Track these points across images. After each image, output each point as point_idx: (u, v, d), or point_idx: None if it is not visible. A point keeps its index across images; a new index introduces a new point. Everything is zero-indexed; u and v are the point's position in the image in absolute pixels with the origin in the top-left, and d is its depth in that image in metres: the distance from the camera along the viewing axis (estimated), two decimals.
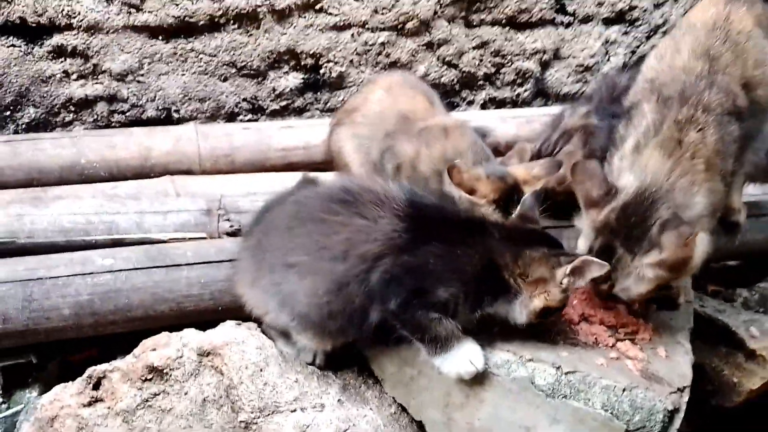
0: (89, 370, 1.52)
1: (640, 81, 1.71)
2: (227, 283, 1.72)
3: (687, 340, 1.60)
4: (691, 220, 1.45)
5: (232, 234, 1.95)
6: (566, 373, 1.39)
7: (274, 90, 2.89)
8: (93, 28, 2.55)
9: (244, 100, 2.87)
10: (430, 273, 1.39)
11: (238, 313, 1.64)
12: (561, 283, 1.38)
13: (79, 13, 2.51)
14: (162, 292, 1.72)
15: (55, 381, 1.61)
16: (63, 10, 2.49)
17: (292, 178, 2.35)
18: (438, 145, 1.78)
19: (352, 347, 1.57)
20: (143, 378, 1.50)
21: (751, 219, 2.26)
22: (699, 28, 1.64)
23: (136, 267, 1.72)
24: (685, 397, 1.44)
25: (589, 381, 1.38)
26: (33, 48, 2.52)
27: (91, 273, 1.69)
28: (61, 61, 2.58)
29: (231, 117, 2.87)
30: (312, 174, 2.00)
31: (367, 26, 2.89)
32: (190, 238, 1.92)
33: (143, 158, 2.35)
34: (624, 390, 1.38)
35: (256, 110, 2.91)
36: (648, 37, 3.32)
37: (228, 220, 1.98)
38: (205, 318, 1.75)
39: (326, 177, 2.10)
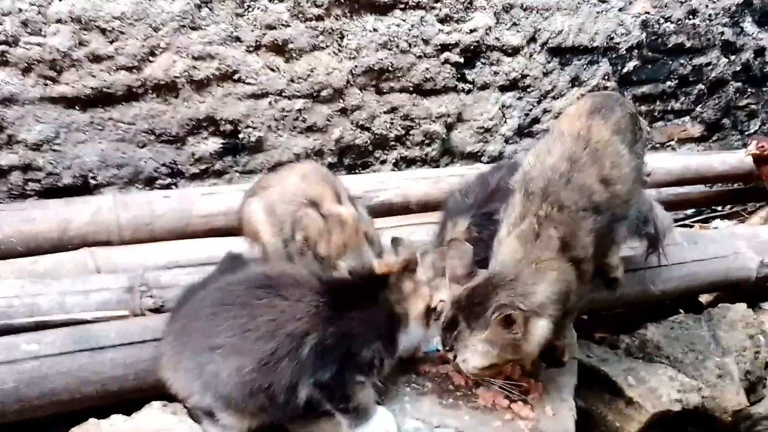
0: None
1: (520, 171, 1.96)
2: (152, 362, 1.78)
3: (571, 396, 1.83)
4: (531, 307, 1.64)
5: (155, 310, 2.02)
6: None
7: (193, 155, 2.98)
8: (8, 100, 2.57)
9: (163, 165, 2.94)
10: (355, 337, 1.60)
11: (163, 390, 1.71)
12: (425, 280, 1.73)
13: None
14: (88, 375, 1.76)
15: None
16: None
17: (214, 245, 2.49)
18: (335, 235, 1.99)
19: (276, 426, 1.68)
20: None
21: (628, 273, 2.57)
22: (566, 135, 1.91)
23: (61, 352, 1.76)
24: None
25: None
26: None
27: (16, 360, 1.72)
28: None
29: (149, 182, 2.94)
30: (236, 251, 2.12)
31: (283, 94, 3.05)
32: (113, 317, 1.97)
33: (61, 230, 2.37)
34: None
35: (176, 174, 2.99)
36: (539, 101, 3.68)
37: (150, 296, 2.05)
38: (131, 397, 1.81)
39: (249, 253, 2.24)
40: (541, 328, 1.68)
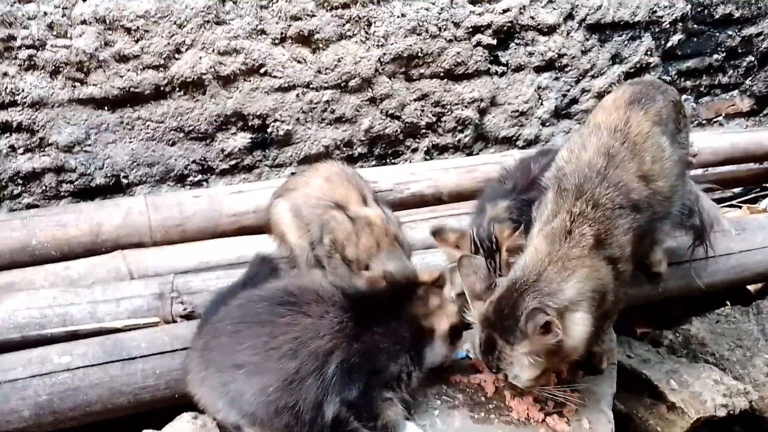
0: None
1: (553, 167, 1.86)
2: (182, 371, 1.79)
3: (609, 407, 1.76)
4: (562, 305, 1.56)
5: (186, 317, 2.02)
6: None
7: (222, 150, 2.97)
8: (38, 104, 2.59)
9: (193, 162, 2.94)
10: (381, 352, 1.56)
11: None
12: (452, 298, 1.66)
13: (23, 90, 2.54)
14: (119, 386, 1.78)
15: None
16: (7, 88, 2.52)
17: (244, 244, 2.48)
18: (364, 238, 1.94)
19: None
20: None
21: (672, 266, 2.45)
22: (602, 129, 1.80)
23: (92, 363, 1.78)
24: None
25: None
26: None
27: (49, 373, 1.75)
28: (7, 137, 2.60)
29: (181, 179, 2.94)
30: (264, 252, 2.11)
31: (311, 86, 2.99)
32: (143, 325, 1.98)
33: (94, 234, 2.39)
34: None
35: (206, 170, 2.98)
36: (577, 81, 3.52)
37: (181, 302, 2.05)
38: (162, 406, 1.82)
39: (277, 253, 2.22)
40: (579, 321, 1.60)
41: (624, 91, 1.96)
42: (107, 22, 2.56)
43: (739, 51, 3.91)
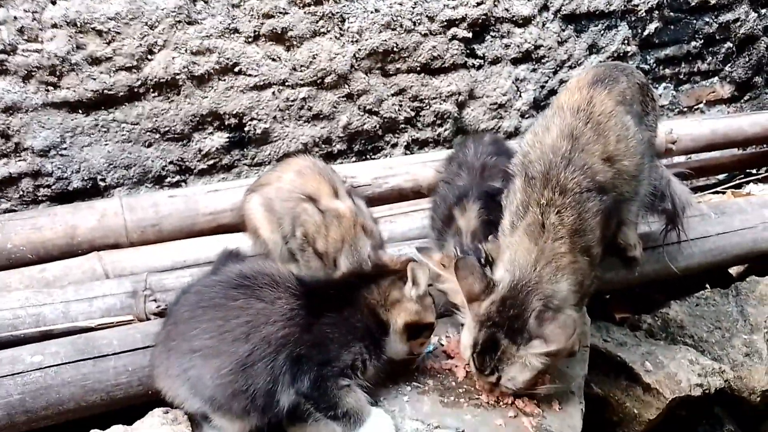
0: None
1: (519, 153, 1.86)
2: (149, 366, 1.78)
3: (580, 389, 1.76)
4: (559, 304, 1.59)
5: (159, 314, 2.02)
6: None
7: (200, 150, 2.97)
8: (11, 109, 2.58)
9: (171, 162, 2.94)
10: (332, 341, 1.54)
11: None
12: (411, 296, 1.62)
13: None
14: (91, 383, 1.78)
15: None
16: None
17: (221, 242, 2.48)
18: (333, 230, 1.94)
19: (275, 429, 1.66)
20: None
21: (647, 251, 2.46)
22: (565, 110, 1.80)
23: (64, 362, 1.78)
24: None
25: None
26: None
27: (21, 372, 1.74)
28: None
29: (158, 180, 2.94)
30: (233, 247, 2.11)
31: (287, 83, 3.00)
32: (117, 323, 1.98)
33: (69, 237, 2.39)
34: None
35: (184, 171, 2.98)
36: (555, 72, 3.54)
37: (154, 300, 2.05)
38: (137, 403, 1.82)
39: (251, 249, 2.23)
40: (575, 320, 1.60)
41: (587, 72, 1.97)
42: (78, 25, 2.56)
43: (717, 38, 3.93)
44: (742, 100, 4.20)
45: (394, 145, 3.36)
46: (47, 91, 2.61)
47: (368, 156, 3.31)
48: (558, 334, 1.50)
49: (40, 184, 2.74)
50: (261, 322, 1.51)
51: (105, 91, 2.69)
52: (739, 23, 3.92)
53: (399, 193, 2.89)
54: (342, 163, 3.20)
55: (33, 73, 2.56)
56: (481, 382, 1.65)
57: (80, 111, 2.70)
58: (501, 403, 1.65)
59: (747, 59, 4.05)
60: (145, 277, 2.12)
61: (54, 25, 2.53)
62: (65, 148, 2.73)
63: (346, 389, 1.50)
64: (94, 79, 2.66)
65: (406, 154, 3.38)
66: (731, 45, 3.98)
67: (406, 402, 1.62)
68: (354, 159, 3.26)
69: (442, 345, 1.86)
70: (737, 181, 4.12)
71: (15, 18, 2.48)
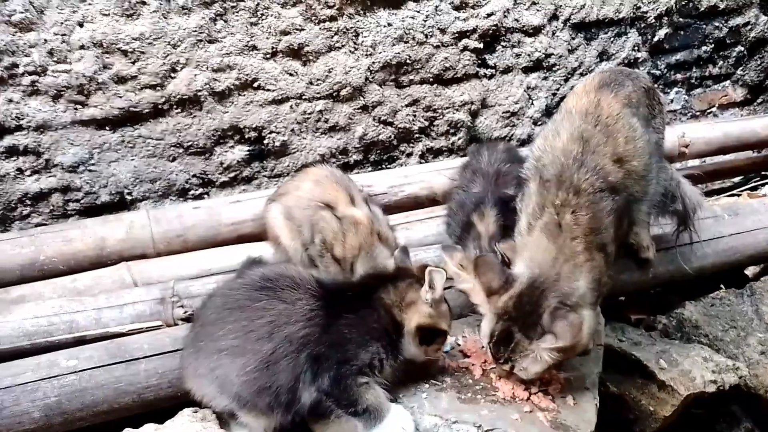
0: None
1: (531, 158, 1.93)
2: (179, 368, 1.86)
3: (594, 386, 1.81)
4: (576, 302, 1.64)
5: (186, 320, 2.10)
6: (486, 431, 1.59)
7: (221, 164, 3.07)
8: (42, 127, 2.70)
9: (194, 176, 3.04)
10: (349, 341, 1.61)
11: None
12: (426, 300, 1.66)
13: (27, 115, 2.66)
14: (124, 386, 1.86)
15: None
16: (12, 113, 2.64)
17: (244, 251, 2.56)
18: (350, 237, 2.02)
19: (300, 426, 1.73)
20: None
21: (660, 252, 2.50)
22: (574, 114, 1.87)
23: (97, 365, 1.86)
24: None
25: None
26: None
27: (57, 375, 1.83)
28: (14, 160, 2.72)
29: (182, 193, 3.04)
30: (256, 255, 2.19)
31: (304, 97, 3.09)
32: (146, 328, 2.07)
33: (99, 248, 2.48)
34: None
35: (207, 184, 3.08)
36: (566, 80, 3.59)
37: (182, 306, 2.14)
38: (168, 404, 1.90)
39: (273, 257, 2.31)
40: (588, 319, 1.68)
41: (594, 77, 2.03)
42: (104, 46, 2.68)
43: (728, 42, 3.97)
44: (755, 103, 4.22)
45: (409, 155, 3.44)
46: (76, 109, 2.73)
47: (384, 165, 3.38)
48: (565, 331, 1.56)
49: (69, 199, 2.86)
50: (283, 322, 1.58)
51: (131, 109, 2.80)
52: (749, 27, 3.95)
53: (414, 200, 2.96)
54: (359, 173, 3.28)
55: (62, 93, 2.68)
56: (498, 369, 1.73)
57: (107, 128, 2.81)
58: (517, 398, 1.70)
59: (759, 62, 4.08)
60: (172, 284, 2.21)
61: (82, 47, 2.65)
62: (93, 164, 2.84)
63: (366, 386, 1.57)
64: (120, 97, 2.77)
65: (420, 162, 3.45)
66: (742, 48, 4.01)
67: (425, 399, 1.68)
68: (370, 169, 3.34)
69: (459, 345, 1.92)
70: (753, 183, 4.14)
71: (45, 41, 2.60)
